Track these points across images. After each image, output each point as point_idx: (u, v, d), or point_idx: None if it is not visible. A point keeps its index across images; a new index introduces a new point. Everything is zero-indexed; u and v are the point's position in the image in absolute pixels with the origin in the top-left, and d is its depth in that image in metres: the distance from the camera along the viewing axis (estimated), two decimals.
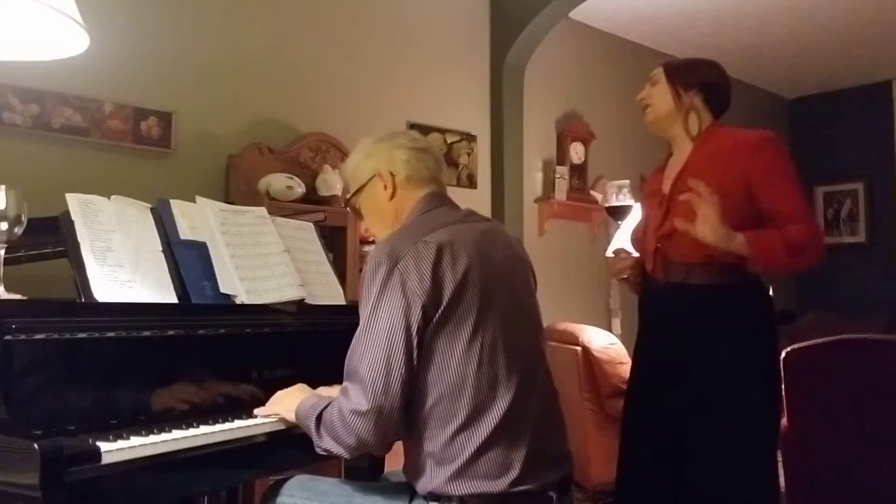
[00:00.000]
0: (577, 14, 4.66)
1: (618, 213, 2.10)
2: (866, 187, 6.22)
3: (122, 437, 1.31)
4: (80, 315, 1.42)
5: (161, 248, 1.67)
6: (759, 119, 5.31)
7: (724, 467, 1.87)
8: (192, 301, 1.66)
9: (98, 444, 1.24)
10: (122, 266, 1.56)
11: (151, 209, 1.73)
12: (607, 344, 3.45)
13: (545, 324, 1.67)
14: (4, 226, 1.44)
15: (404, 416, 1.38)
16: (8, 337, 1.28)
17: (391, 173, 1.60)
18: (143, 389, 1.48)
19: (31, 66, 2.31)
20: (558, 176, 4.67)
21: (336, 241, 3.05)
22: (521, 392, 1.42)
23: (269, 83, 3.41)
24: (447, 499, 1.37)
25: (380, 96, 3.84)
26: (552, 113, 4.82)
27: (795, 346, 2.61)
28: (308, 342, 1.86)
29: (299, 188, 3.11)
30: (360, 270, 3.21)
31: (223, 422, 1.52)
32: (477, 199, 4.23)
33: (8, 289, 1.46)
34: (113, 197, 1.65)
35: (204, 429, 1.46)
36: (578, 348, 3.44)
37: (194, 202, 1.81)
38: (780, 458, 2.23)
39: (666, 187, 2.03)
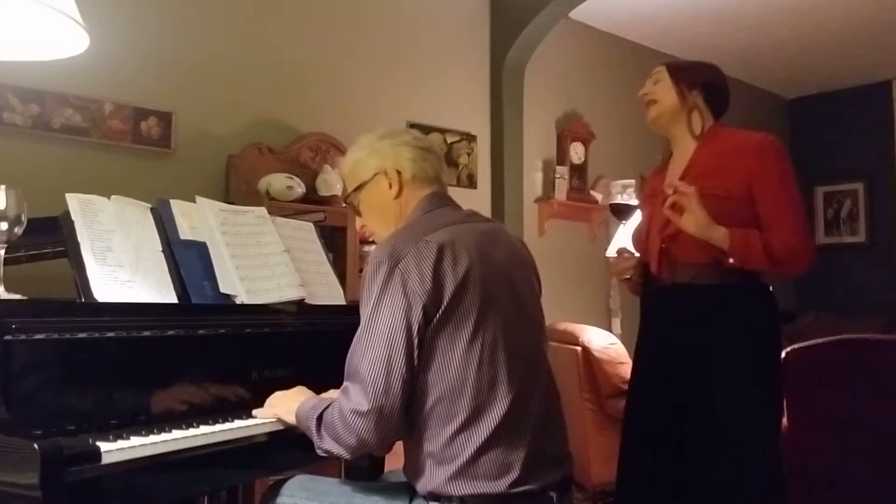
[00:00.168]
0: (577, 14, 4.66)
1: (622, 212, 2.09)
2: (866, 187, 6.22)
3: (122, 437, 1.31)
4: (80, 315, 1.42)
5: (161, 248, 1.67)
6: (758, 119, 5.31)
7: (727, 467, 1.87)
8: (192, 301, 1.66)
9: (98, 444, 1.24)
10: (122, 266, 1.56)
11: (151, 209, 1.73)
12: (607, 344, 3.45)
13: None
14: (4, 226, 1.44)
15: (405, 416, 1.38)
16: (8, 337, 1.28)
17: (398, 171, 1.59)
18: (144, 389, 1.48)
19: (31, 66, 2.31)
20: (558, 176, 4.67)
21: (336, 241, 3.05)
22: (522, 393, 1.41)
23: (269, 83, 3.41)
24: (447, 499, 1.37)
25: (380, 96, 3.84)
26: (552, 113, 4.82)
27: (795, 346, 2.61)
28: (308, 342, 1.86)
29: (299, 188, 3.11)
30: (361, 270, 3.22)
31: (223, 422, 1.52)
32: (477, 199, 4.23)
33: (8, 289, 1.46)
34: (113, 197, 1.65)
35: (204, 429, 1.46)
36: (578, 348, 3.44)
37: (194, 202, 1.81)
38: None
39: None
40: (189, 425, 1.45)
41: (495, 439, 1.37)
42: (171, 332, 1.55)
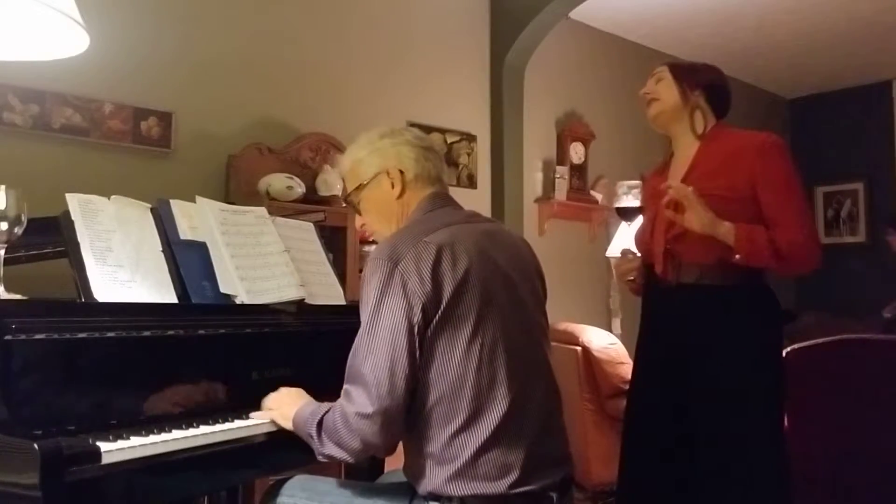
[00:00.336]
0: (577, 14, 4.66)
1: (628, 213, 2.08)
2: (866, 187, 6.22)
3: (122, 437, 1.31)
4: (80, 315, 1.42)
5: (161, 248, 1.67)
6: (758, 119, 5.30)
7: (730, 467, 1.87)
8: (192, 301, 1.66)
9: (98, 444, 1.24)
10: (122, 266, 1.56)
11: (151, 209, 1.73)
12: (607, 344, 3.45)
13: None
14: (4, 226, 1.44)
15: (407, 416, 1.38)
16: (8, 337, 1.28)
17: (400, 171, 1.58)
18: (144, 389, 1.48)
19: (31, 66, 2.31)
20: (558, 176, 4.67)
21: (336, 241, 3.05)
22: (522, 393, 1.41)
23: (269, 83, 3.41)
24: (447, 499, 1.37)
25: (380, 96, 3.84)
26: (552, 113, 4.82)
27: (795, 346, 2.61)
28: (308, 342, 1.86)
29: (299, 188, 3.11)
30: (361, 270, 3.22)
31: (223, 422, 1.52)
32: (477, 199, 4.23)
33: (8, 289, 1.46)
34: (113, 197, 1.65)
35: (204, 429, 1.46)
36: (578, 348, 3.44)
37: (194, 202, 1.81)
38: None
39: None
40: (189, 425, 1.45)
41: (495, 440, 1.37)
42: (171, 332, 1.54)
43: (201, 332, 1.61)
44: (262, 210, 1.97)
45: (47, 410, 1.31)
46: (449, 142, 4.19)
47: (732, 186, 1.89)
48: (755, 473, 1.87)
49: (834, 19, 4.94)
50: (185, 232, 1.73)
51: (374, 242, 3.39)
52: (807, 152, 5.87)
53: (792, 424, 2.59)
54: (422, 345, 1.35)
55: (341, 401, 1.38)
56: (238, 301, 1.73)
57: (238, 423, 1.53)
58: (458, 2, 4.33)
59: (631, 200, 2.06)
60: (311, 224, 2.15)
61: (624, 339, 3.71)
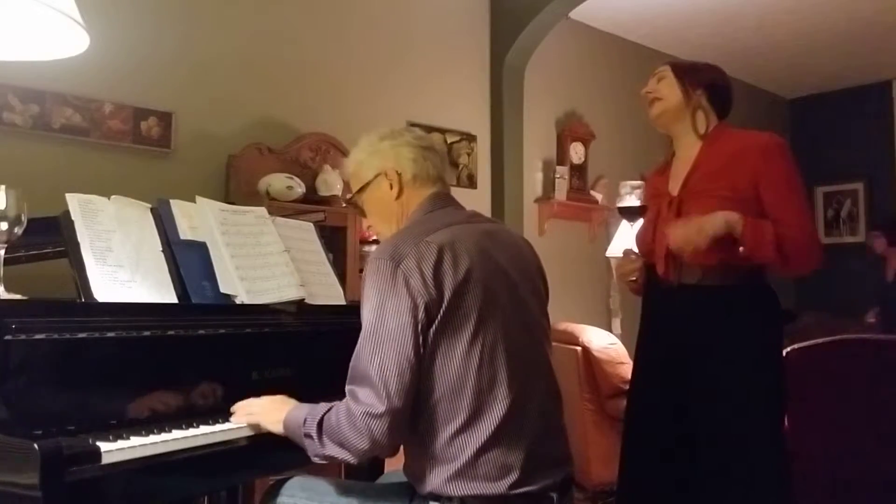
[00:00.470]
0: (577, 14, 4.66)
1: (632, 213, 2.07)
2: (866, 187, 6.22)
3: (122, 437, 1.31)
4: (80, 315, 1.42)
5: (161, 248, 1.67)
6: (758, 119, 5.30)
7: (731, 467, 1.87)
8: (192, 301, 1.66)
9: (98, 444, 1.24)
10: (122, 266, 1.56)
11: (151, 209, 1.73)
12: (607, 344, 3.45)
13: None
14: (4, 226, 1.44)
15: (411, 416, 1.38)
16: (8, 337, 1.28)
17: (398, 172, 1.59)
18: (144, 389, 1.48)
19: (31, 66, 2.31)
20: (558, 176, 4.67)
21: (336, 241, 3.05)
22: (522, 394, 1.41)
23: (269, 83, 3.41)
24: (447, 499, 1.37)
25: (380, 96, 3.84)
26: (552, 113, 4.82)
27: (795, 346, 2.61)
28: (308, 342, 1.86)
29: (299, 188, 3.11)
30: (361, 271, 3.22)
31: (223, 422, 1.52)
32: (477, 199, 4.23)
33: (8, 289, 1.46)
34: (113, 197, 1.65)
35: (204, 429, 1.46)
36: (578, 348, 3.44)
37: (194, 202, 1.81)
38: None
39: (674, 189, 2.02)
40: (189, 425, 1.45)
41: (495, 440, 1.37)
42: (171, 332, 1.54)
43: (201, 332, 1.61)
44: (262, 210, 1.97)
45: (47, 410, 1.31)
46: (449, 142, 4.20)
47: (734, 187, 1.89)
48: (755, 473, 1.87)
49: (834, 19, 4.94)
50: (185, 232, 1.73)
51: (374, 242, 3.41)
52: (807, 152, 5.85)
53: (792, 424, 2.59)
54: (424, 344, 1.35)
55: (346, 401, 1.36)
56: (238, 301, 1.73)
57: (238, 423, 1.53)
58: (458, 2, 4.33)
59: (634, 200, 2.05)
60: (311, 224, 2.15)
61: (624, 339, 3.71)
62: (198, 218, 1.78)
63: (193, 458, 1.40)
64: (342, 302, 2.04)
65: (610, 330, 4.35)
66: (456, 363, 1.36)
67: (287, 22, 3.51)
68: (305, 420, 1.41)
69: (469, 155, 4.31)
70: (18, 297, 1.44)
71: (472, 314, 1.38)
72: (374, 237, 3.43)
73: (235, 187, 3.15)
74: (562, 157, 4.79)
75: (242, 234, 1.84)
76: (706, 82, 2.04)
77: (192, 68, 3.16)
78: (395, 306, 1.35)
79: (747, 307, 1.93)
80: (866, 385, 2.54)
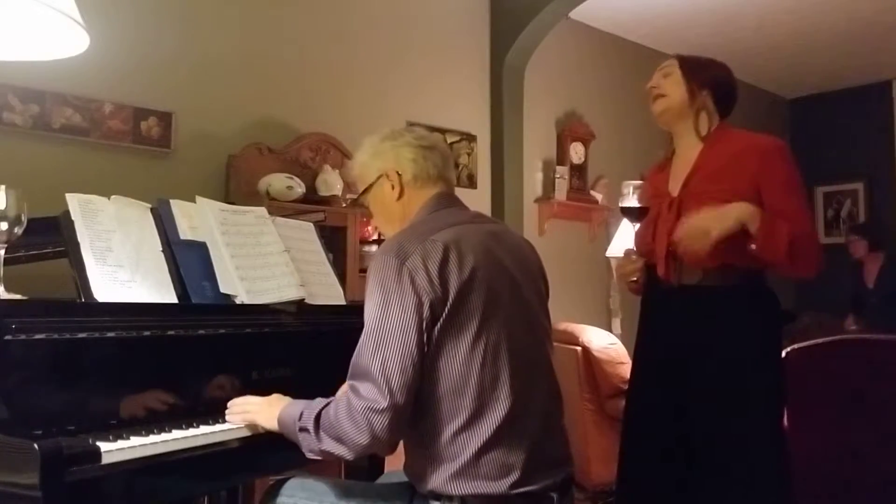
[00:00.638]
0: (577, 14, 4.66)
1: (634, 213, 2.04)
2: (866, 187, 6.22)
3: (122, 437, 1.31)
4: (80, 315, 1.42)
5: (161, 248, 1.67)
6: (758, 119, 5.30)
7: (731, 467, 1.87)
8: (192, 301, 1.66)
9: (98, 444, 1.24)
10: (122, 266, 1.56)
11: (151, 209, 1.73)
12: (607, 344, 3.45)
13: None
14: (4, 226, 1.44)
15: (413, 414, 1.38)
16: (8, 337, 1.28)
17: (398, 173, 1.59)
18: (143, 389, 1.48)
19: (31, 66, 2.31)
20: (558, 176, 4.67)
21: (336, 241, 3.05)
22: (524, 394, 1.41)
23: (269, 83, 3.41)
24: (448, 498, 1.37)
25: (380, 96, 3.85)
26: (552, 113, 4.82)
27: (795, 346, 2.61)
28: (308, 342, 1.86)
29: (299, 188, 3.11)
30: (361, 271, 3.22)
31: (223, 422, 1.52)
32: (477, 199, 4.23)
33: (8, 289, 1.46)
34: (113, 197, 1.65)
35: (204, 429, 1.46)
36: (578, 348, 3.43)
37: (194, 202, 1.81)
38: None
39: (674, 189, 2.01)
40: (189, 425, 1.45)
41: (497, 440, 1.37)
42: (171, 332, 1.55)
43: (201, 332, 1.61)
44: (262, 210, 1.97)
45: (47, 410, 1.31)
46: (449, 142, 4.20)
47: (735, 189, 1.88)
48: (755, 473, 1.87)
49: (834, 19, 4.95)
50: (185, 232, 1.73)
51: (373, 242, 3.41)
52: (807, 152, 5.86)
53: (792, 424, 2.59)
54: (428, 342, 1.36)
55: (347, 396, 1.36)
56: (238, 301, 1.73)
57: (233, 422, 1.53)
58: (458, 2, 4.33)
59: (636, 200, 2.03)
60: (311, 224, 2.15)
61: (624, 339, 3.71)
62: (198, 218, 1.78)
63: (193, 459, 1.40)
64: (342, 302, 2.04)
65: (610, 330, 4.35)
66: (459, 362, 1.37)
67: (287, 22, 3.51)
68: (302, 414, 1.40)
69: (469, 155, 4.31)
70: (18, 297, 1.44)
71: (476, 313, 1.38)
72: (374, 237, 3.43)
73: (235, 187, 3.15)
74: (562, 157, 4.79)
75: (242, 234, 1.84)
76: (712, 82, 2.01)
77: (192, 68, 3.16)
78: (399, 303, 1.35)
79: (747, 308, 1.93)
80: (866, 385, 2.54)
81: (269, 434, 1.51)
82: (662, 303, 2.03)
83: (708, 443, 1.90)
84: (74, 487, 1.19)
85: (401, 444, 1.47)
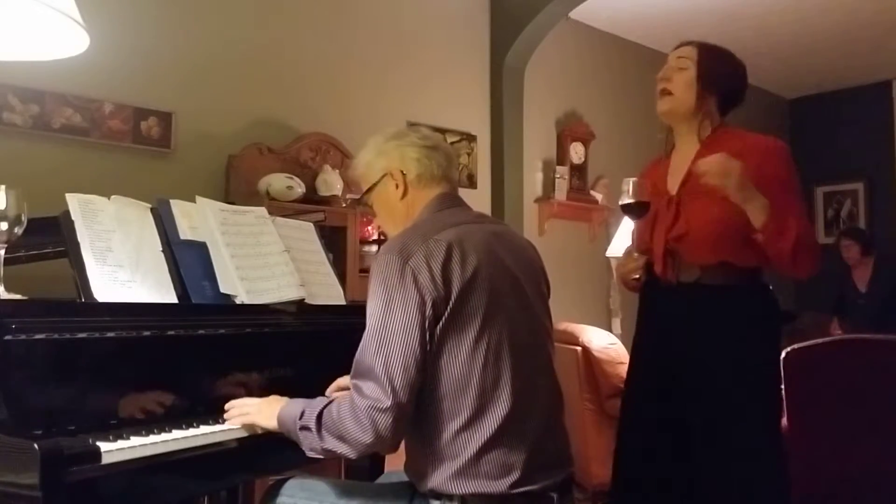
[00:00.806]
0: (577, 14, 4.66)
1: (634, 210, 2.03)
2: (866, 187, 6.23)
3: (122, 437, 1.31)
4: (80, 315, 1.42)
5: (161, 248, 1.67)
6: (758, 119, 5.30)
7: (729, 466, 1.87)
8: (192, 301, 1.66)
9: (98, 444, 1.24)
10: (122, 266, 1.56)
11: (151, 209, 1.73)
12: (607, 344, 3.45)
13: None
14: (4, 226, 1.44)
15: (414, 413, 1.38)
16: (8, 337, 1.28)
17: (402, 172, 1.59)
18: (144, 389, 1.48)
19: (31, 66, 2.31)
20: (558, 176, 4.67)
21: (336, 241, 3.05)
22: (525, 394, 1.42)
23: (269, 83, 3.41)
24: (448, 497, 1.37)
25: (380, 96, 3.85)
26: (552, 113, 4.82)
27: (795, 346, 2.61)
28: (308, 342, 1.86)
29: (299, 188, 3.12)
30: (361, 271, 3.22)
31: (223, 422, 1.52)
32: (477, 199, 4.23)
33: (8, 289, 1.46)
34: (113, 197, 1.65)
35: (204, 429, 1.46)
36: (578, 348, 3.43)
37: (194, 202, 1.81)
38: None
39: (673, 187, 2.01)
40: (189, 425, 1.45)
41: (498, 439, 1.37)
42: (171, 332, 1.55)
43: (201, 332, 1.61)
44: (262, 210, 1.97)
45: (47, 410, 1.31)
46: (449, 142, 4.20)
47: None
48: (753, 473, 1.87)
49: (834, 19, 4.95)
50: (185, 232, 1.73)
51: (373, 242, 3.41)
52: (807, 152, 5.86)
53: (791, 424, 2.60)
54: (431, 340, 1.36)
55: (352, 394, 1.36)
56: (238, 301, 1.73)
57: (233, 424, 1.53)
58: (458, 2, 4.34)
59: (637, 197, 2.01)
60: (311, 224, 2.15)
61: (624, 339, 3.71)
62: (198, 218, 1.78)
63: (193, 459, 1.40)
64: (342, 302, 2.04)
65: (610, 330, 4.35)
66: (461, 361, 1.37)
67: (287, 22, 3.51)
68: (303, 413, 1.40)
69: (469, 155, 4.31)
70: (18, 297, 1.44)
71: (479, 313, 1.38)
72: (374, 237, 3.43)
73: (235, 187, 3.15)
74: (562, 157, 4.79)
75: (242, 234, 1.84)
76: (723, 89, 1.99)
77: (192, 68, 3.16)
78: (402, 302, 1.35)
79: (746, 306, 1.93)
80: (866, 385, 2.55)
81: (268, 434, 1.51)
82: (660, 301, 2.03)
83: (706, 443, 1.90)
84: (74, 487, 1.19)
85: (401, 443, 1.47)
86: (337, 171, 3.31)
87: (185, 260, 1.69)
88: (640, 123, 4.80)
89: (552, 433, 1.49)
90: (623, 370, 3.29)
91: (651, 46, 5.29)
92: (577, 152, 4.84)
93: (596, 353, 3.39)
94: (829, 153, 6.23)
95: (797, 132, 6.51)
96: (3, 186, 1.45)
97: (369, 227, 3.44)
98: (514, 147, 4.46)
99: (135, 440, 1.32)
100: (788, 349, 2.57)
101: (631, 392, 2.13)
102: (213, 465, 1.48)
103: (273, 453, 1.59)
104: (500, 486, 1.36)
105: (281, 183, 3.07)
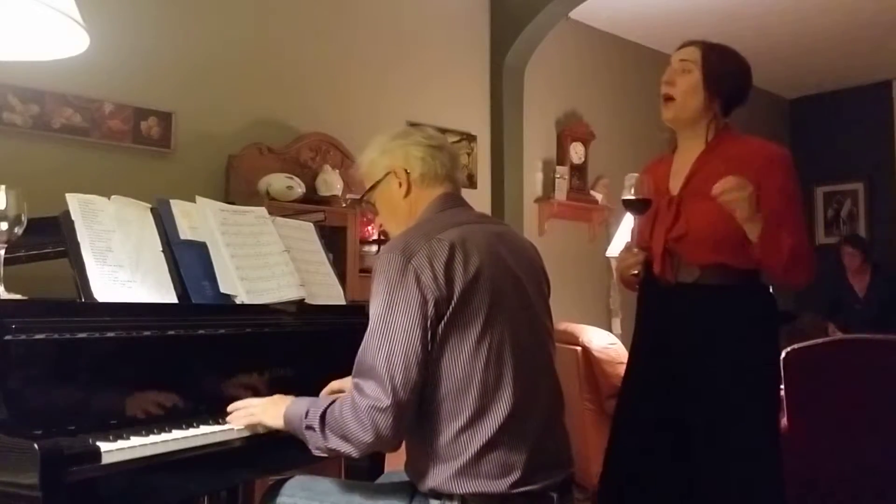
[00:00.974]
0: (577, 14, 4.66)
1: (636, 207, 2.02)
2: (866, 187, 6.22)
3: (122, 437, 1.31)
4: (80, 315, 1.42)
5: (161, 248, 1.67)
6: (758, 119, 5.31)
7: (727, 466, 1.87)
8: (192, 301, 1.66)
9: (98, 444, 1.24)
10: (122, 266, 1.56)
11: (151, 209, 1.73)
12: (607, 344, 3.45)
13: None
14: (4, 226, 1.44)
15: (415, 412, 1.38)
16: (8, 337, 1.28)
17: (406, 171, 1.59)
18: (144, 389, 1.48)
19: (31, 66, 2.31)
20: (558, 176, 4.67)
21: (336, 241, 3.05)
22: (526, 394, 1.42)
23: (269, 83, 3.41)
24: (448, 496, 1.37)
25: (380, 96, 3.85)
26: (552, 113, 4.82)
27: (795, 346, 2.61)
28: (308, 342, 1.86)
29: (299, 188, 3.12)
30: (360, 271, 3.22)
31: (223, 422, 1.52)
32: (477, 199, 4.23)
33: (8, 289, 1.46)
34: (113, 197, 1.65)
35: (204, 429, 1.46)
36: (578, 348, 3.43)
37: (194, 202, 1.81)
38: None
39: (674, 187, 2.01)
40: (189, 425, 1.45)
41: (498, 439, 1.37)
42: (171, 332, 1.55)
43: (201, 332, 1.61)
44: (262, 210, 1.97)
45: (47, 410, 1.31)
46: (449, 142, 4.19)
47: None
48: (752, 474, 1.87)
49: (834, 19, 4.95)
50: (185, 232, 1.73)
51: (373, 242, 3.41)
52: (807, 152, 5.87)
53: (790, 424, 2.60)
54: (433, 340, 1.36)
55: (353, 394, 1.37)
56: (238, 301, 1.73)
57: (238, 425, 1.53)
58: (458, 2, 4.34)
59: (640, 193, 1.99)
60: (311, 224, 2.15)
61: (624, 339, 3.71)
62: (198, 218, 1.78)
63: (193, 459, 1.40)
64: (342, 302, 2.04)
65: (610, 330, 4.35)
66: (463, 361, 1.37)
67: (287, 22, 3.51)
68: (308, 412, 1.41)
69: (469, 155, 4.31)
70: (18, 297, 1.44)
71: (481, 313, 1.39)
72: (374, 237, 3.43)
73: (235, 187, 3.15)
74: (562, 157, 4.79)
75: (242, 234, 1.84)
76: (728, 90, 1.96)
77: (192, 68, 3.16)
78: (404, 301, 1.35)
79: (745, 307, 1.92)
80: (865, 385, 2.55)
81: (269, 434, 1.51)
82: (659, 301, 2.03)
83: (705, 443, 1.90)
84: (74, 487, 1.19)
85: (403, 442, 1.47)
86: (337, 171, 3.31)
87: (185, 260, 1.69)
88: (640, 123, 4.80)
89: (552, 433, 1.49)
90: (623, 370, 3.30)
91: (651, 46, 5.29)
92: (577, 152, 4.84)
93: (596, 353, 3.39)
94: (829, 153, 6.23)
95: (797, 132, 6.51)
96: (3, 186, 1.45)
97: (369, 227, 3.44)
98: (514, 147, 4.46)
99: (135, 440, 1.32)
100: (788, 349, 2.57)
101: (628, 391, 2.12)
102: (214, 465, 1.48)
103: (274, 453, 1.59)
104: (501, 485, 1.36)
105: (281, 183, 3.07)
